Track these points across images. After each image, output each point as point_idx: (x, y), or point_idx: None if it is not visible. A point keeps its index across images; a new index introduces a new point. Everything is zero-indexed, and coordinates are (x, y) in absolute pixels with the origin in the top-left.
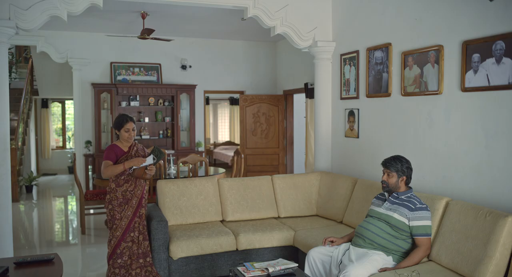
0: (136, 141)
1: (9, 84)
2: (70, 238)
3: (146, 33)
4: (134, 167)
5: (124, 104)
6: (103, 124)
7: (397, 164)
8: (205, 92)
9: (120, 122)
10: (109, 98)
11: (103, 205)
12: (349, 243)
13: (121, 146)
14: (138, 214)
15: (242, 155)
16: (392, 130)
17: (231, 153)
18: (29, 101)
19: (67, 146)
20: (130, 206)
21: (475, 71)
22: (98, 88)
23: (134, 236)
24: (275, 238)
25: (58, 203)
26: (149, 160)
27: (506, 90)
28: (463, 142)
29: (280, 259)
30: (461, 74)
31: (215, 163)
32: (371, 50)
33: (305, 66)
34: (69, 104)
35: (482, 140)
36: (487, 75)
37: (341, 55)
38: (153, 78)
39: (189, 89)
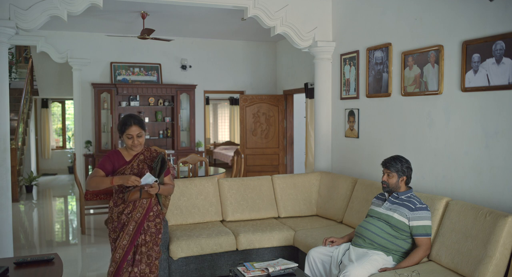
0: (150, 147)
1: (9, 84)
2: (70, 238)
3: (146, 33)
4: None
5: (124, 104)
6: (103, 124)
7: (397, 164)
8: (205, 92)
9: (122, 125)
10: (109, 98)
11: (103, 205)
12: (349, 243)
13: (124, 153)
14: (137, 243)
15: (242, 155)
16: (392, 130)
17: (231, 153)
18: (29, 101)
19: (67, 146)
20: (126, 234)
21: (475, 71)
22: (98, 88)
23: (134, 275)
24: (275, 238)
25: (58, 203)
26: (147, 179)
27: (506, 90)
28: (463, 142)
29: (280, 259)
30: (461, 74)
31: (215, 163)
32: (371, 50)
33: (305, 66)
34: (69, 104)
35: (482, 140)
36: (487, 75)
37: (341, 55)
38: (153, 78)
39: (189, 89)
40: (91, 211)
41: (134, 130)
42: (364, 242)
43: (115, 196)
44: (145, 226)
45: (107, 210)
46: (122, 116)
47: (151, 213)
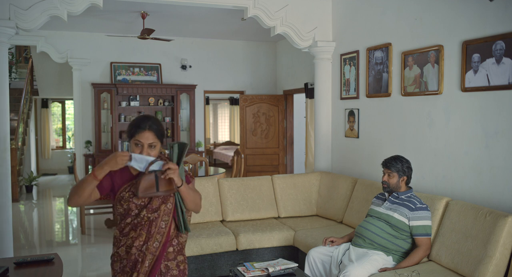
0: (162, 154)
1: (9, 84)
2: (70, 238)
3: (146, 33)
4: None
5: (124, 104)
6: (103, 124)
7: (398, 164)
8: (205, 92)
9: (134, 126)
10: (109, 98)
11: (103, 205)
12: (349, 243)
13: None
14: None
15: (242, 155)
16: (392, 130)
17: (231, 153)
18: (29, 101)
19: (67, 146)
20: (141, 273)
21: (475, 71)
22: (98, 88)
23: None
24: (275, 238)
25: (58, 203)
26: (141, 160)
27: (506, 90)
28: (463, 142)
29: (280, 259)
30: (461, 74)
31: (215, 163)
32: (371, 50)
33: (305, 66)
34: (69, 104)
35: (482, 140)
36: (487, 75)
37: (341, 55)
38: (153, 78)
39: (189, 89)
40: (91, 211)
41: (147, 137)
42: (364, 242)
43: (122, 223)
44: (162, 268)
45: (107, 210)
46: (138, 115)
47: (171, 249)
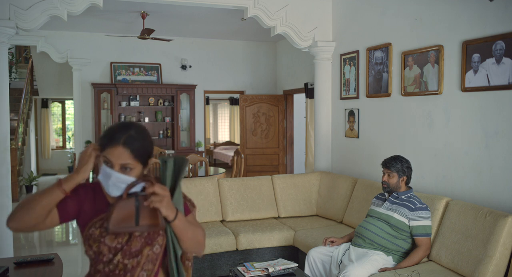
0: (148, 176)
1: (9, 84)
2: (70, 238)
3: (146, 33)
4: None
5: (124, 104)
6: (103, 124)
7: (398, 164)
8: (205, 92)
9: (104, 138)
10: (109, 98)
11: None
12: (349, 243)
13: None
14: None
15: (242, 155)
16: (392, 130)
17: (231, 153)
18: (29, 101)
19: (67, 146)
20: None
21: (475, 71)
22: (98, 88)
23: None
24: (275, 238)
25: None
26: (119, 181)
27: (506, 90)
28: (463, 142)
29: (280, 259)
30: (461, 74)
31: (215, 163)
32: (371, 50)
33: (305, 66)
34: (69, 104)
35: (482, 140)
36: (487, 75)
37: (341, 55)
38: (153, 78)
39: (189, 89)
40: None
41: (118, 154)
42: (364, 242)
43: (91, 269)
44: None
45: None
46: (118, 122)
47: None
